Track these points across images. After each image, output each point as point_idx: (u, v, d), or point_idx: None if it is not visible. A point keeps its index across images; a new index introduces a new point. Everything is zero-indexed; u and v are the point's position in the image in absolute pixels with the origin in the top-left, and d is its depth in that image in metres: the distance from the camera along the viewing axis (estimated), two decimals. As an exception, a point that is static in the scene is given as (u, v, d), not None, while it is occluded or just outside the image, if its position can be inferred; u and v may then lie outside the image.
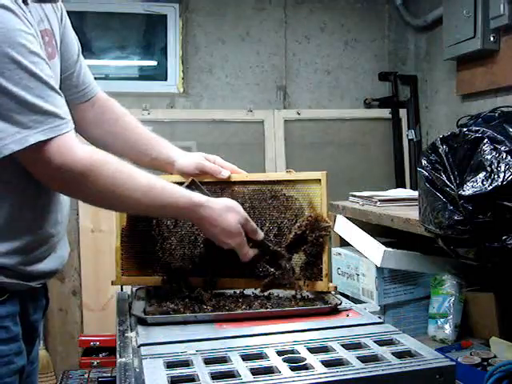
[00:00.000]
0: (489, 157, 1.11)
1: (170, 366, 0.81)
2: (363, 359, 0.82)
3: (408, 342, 0.89)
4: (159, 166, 1.24)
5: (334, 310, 1.07)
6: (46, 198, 1.03)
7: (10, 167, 0.94)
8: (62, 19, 1.11)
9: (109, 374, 2.26)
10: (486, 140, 1.12)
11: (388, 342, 0.90)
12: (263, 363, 0.82)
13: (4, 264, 0.96)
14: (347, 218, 1.87)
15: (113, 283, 1.24)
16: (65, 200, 1.09)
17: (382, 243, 1.63)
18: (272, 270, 1.12)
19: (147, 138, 1.24)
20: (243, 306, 1.08)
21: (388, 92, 3.06)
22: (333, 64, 3.04)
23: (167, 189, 1.02)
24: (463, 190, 1.12)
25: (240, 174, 1.20)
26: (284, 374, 0.77)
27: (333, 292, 1.15)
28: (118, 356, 0.92)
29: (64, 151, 0.91)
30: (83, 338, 2.35)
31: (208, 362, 0.82)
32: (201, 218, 1.05)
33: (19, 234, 0.98)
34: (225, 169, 1.20)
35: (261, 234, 1.11)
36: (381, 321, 1.02)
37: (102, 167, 0.95)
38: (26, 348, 1.04)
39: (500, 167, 1.09)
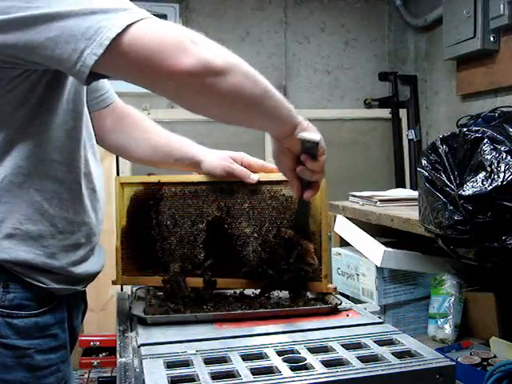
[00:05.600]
0: (489, 157, 1.11)
1: (170, 365, 0.81)
2: (363, 359, 0.82)
3: (408, 341, 0.89)
4: (184, 167, 1.22)
5: (334, 310, 1.07)
6: (91, 196, 1.03)
7: (59, 165, 0.94)
8: None
9: (109, 374, 2.26)
10: (486, 140, 1.12)
11: (388, 342, 0.90)
12: (263, 363, 0.81)
13: (52, 266, 0.94)
14: (347, 217, 1.87)
15: (113, 283, 1.24)
16: (102, 199, 1.09)
17: (382, 243, 1.63)
18: (271, 272, 1.11)
19: (168, 140, 1.22)
20: (243, 306, 1.08)
21: (388, 92, 3.07)
22: (333, 64, 3.04)
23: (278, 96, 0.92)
24: (463, 190, 1.12)
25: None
26: (284, 373, 0.77)
27: (332, 292, 1.15)
28: (118, 356, 0.92)
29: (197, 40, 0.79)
30: (83, 338, 2.34)
31: (208, 361, 0.82)
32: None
33: (66, 232, 0.96)
34: (254, 166, 1.16)
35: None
36: (381, 321, 1.02)
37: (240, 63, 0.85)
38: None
39: (500, 167, 1.09)
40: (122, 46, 0.76)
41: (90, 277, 1.06)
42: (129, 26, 0.76)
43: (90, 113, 1.15)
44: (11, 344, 0.90)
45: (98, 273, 1.08)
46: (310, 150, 0.95)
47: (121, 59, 0.77)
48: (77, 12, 0.76)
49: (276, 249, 1.13)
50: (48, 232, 0.93)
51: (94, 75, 0.78)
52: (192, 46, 0.78)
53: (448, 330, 1.53)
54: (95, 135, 1.19)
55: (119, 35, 0.75)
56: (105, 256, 1.13)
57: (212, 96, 0.82)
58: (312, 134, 0.96)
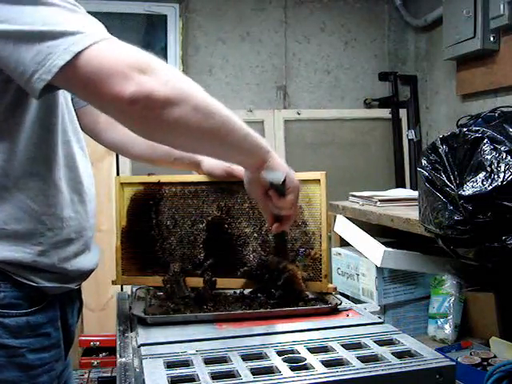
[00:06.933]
0: (489, 157, 1.11)
1: (170, 365, 0.81)
2: (363, 359, 0.82)
3: (408, 342, 0.89)
4: (183, 167, 1.22)
5: (334, 310, 1.07)
6: (78, 189, 1.02)
7: (39, 162, 0.93)
8: None
9: (109, 374, 2.26)
10: (486, 140, 1.12)
11: (388, 342, 0.90)
12: (263, 363, 0.81)
13: (44, 264, 0.93)
14: (347, 217, 1.87)
15: (113, 283, 1.24)
16: (92, 192, 1.08)
17: (382, 243, 1.63)
18: (267, 276, 1.11)
19: None
20: (243, 306, 1.08)
21: (388, 92, 3.07)
22: (333, 64, 3.04)
23: (240, 125, 0.92)
24: (463, 190, 1.12)
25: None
26: (284, 373, 0.77)
27: (332, 292, 1.15)
28: (118, 356, 0.92)
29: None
30: (83, 338, 2.34)
31: (208, 361, 0.82)
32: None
33: (55, 228, 0.96)
34: None
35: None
36: (381, 321, 1.02)
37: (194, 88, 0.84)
38: (64, 353, 1.03)
39: (500, 167, 1.09)
40: (71, 71, 0.77)
41: (83, 274, 1.05)
42: (79, 52, 0.76)
43: (82, 108, 1.14)
44: (3, 343, 0.89)
45: (91, 271, 1.07)
46: (277, 188, 0.95)
47: (69, 82, 0.79)
48: (30, 34, 0.76)
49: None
50: (37, 230, 0.93)
51: (48, 87, 0.79)
52: (138, 74, 0.77)
53: (448, 329, 1.53)
54: (92, 132, 1.19)
55: (68, 62, 0.76)
56: (99, 254, 1.11)
57: (153, 125, 0.81)
58: (276, 173, 0.95)
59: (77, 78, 0.77)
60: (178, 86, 0.81)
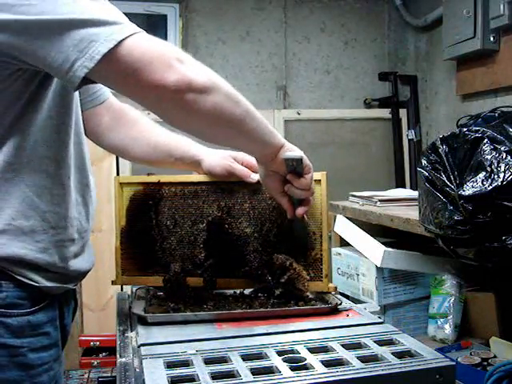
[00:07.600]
0: (489, 157, 1.11)
1: (170, 365, 0.81)
2: (363, 359, 0.82)
3: (408, 341, 0.89)
4: (184, 166, 1.22)
5: (334, 310, 1.07)
6: (83, 191, 1.03)
7: (48, 160, 0.94)
8: None
9: (109, 374, 2.26)
10: (485, 140, 1.13)
11: (388, 342, 0.90)
12: (263, 363, 0.81)
13: (45, 262, 0.94)
14: (347, 217, 1.87)
15: (113, 283, 1.24)
16: (95, 194, 1.08)
17: (382, 243, 1.63)
18: (269, 278, 1.11)
19: (168, 139, 1.20)
20: (243, 306, 1.08)
21: (388, 92, 3.07)
22: (333, 64, 3.04)
23: (262, 120, 0.96)
24: (463, 190, 1.12)
25: None
26: (284, 374, 0.77)
27: (333, 292, 1.15)
28: (118, 356, 0.92)
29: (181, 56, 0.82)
30: (83, 338, 2.34)
31: (208, 361, 0.82)
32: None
33: (58, 227, 0.96)
34: (254, 167, 1.15)
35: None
36: (381, 321, 1.02)
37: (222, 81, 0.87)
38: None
39: (500, 167, 1.09)
40: (113, 59, 0.78)
41: (81, 275, 1.05)
42: (121, 41, 0.78)
43: (85, 110, 1.15)
44: (5, 343, 0.90)
45: (88, 271, 1.08)
46: (296, 168, 0.99)
47: (110, 71, 0.80)
48: (70, 22, 0.77)
49: (277, 248, 1.13)
50: (40, 227, 0.93)
51: (84, 81, 0.79)
52: (177, 63, 0.81)
53: (448, 329, 1.53)
54: (94, 135, 1.19)
55: (111, 50, 0.77)
56: (95, 254, 1.12)
57: (192, 112, 0.84)
58: (295, 152, 0.99)
59: (119, 66, 0.79)
60: (209, 75, 0.85)
